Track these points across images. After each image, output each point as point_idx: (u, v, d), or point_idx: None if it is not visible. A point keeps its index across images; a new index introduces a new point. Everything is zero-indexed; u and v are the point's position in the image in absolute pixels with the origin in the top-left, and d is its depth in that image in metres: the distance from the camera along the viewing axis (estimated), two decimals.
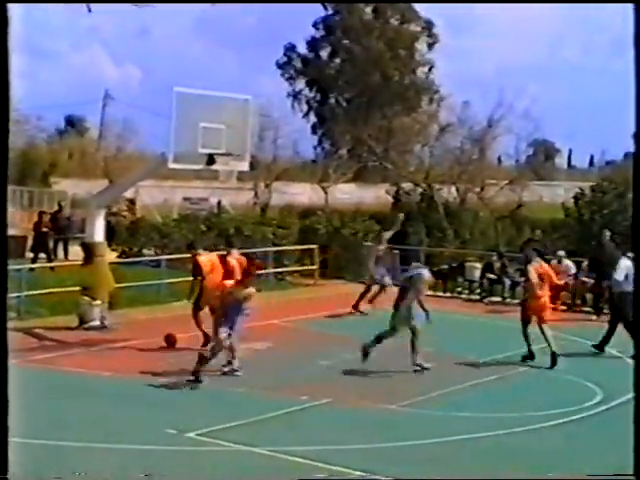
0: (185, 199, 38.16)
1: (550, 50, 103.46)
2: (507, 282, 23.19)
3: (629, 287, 15.42)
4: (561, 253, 22.46)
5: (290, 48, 65.00)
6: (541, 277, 15.26)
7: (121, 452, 9.97)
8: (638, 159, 5.16)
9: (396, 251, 26.16)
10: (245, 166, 18.29)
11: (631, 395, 13.10)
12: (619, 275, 15.91)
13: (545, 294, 15.33)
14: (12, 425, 10.36)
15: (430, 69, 64.12)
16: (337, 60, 64.38)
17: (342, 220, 27.90)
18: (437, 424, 11.49)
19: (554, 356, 14.73)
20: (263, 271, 23.94)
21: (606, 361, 15.49)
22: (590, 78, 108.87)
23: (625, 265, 15.92)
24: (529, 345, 15.19)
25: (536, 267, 15.32)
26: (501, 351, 16.13)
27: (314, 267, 24.82)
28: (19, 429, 10.29)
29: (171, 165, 16.80)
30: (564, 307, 21.66)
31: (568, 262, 22.10)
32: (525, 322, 15.31)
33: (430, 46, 64.41)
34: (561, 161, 73.11)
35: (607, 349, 16.05)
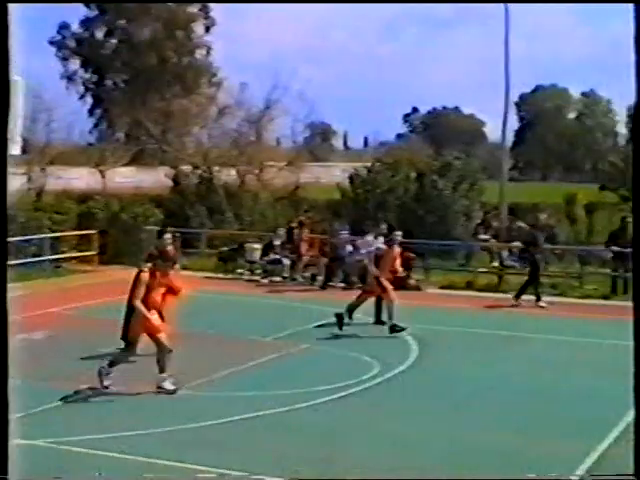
0: None
1: (321, 35, 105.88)
2: (286, 262, 23.59)
3: None
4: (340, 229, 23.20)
5: (64, 27, 62.95)
6: None
7: None
8: (638, 158, 5.29)
9: (177, 234, 25.97)
10: (16, 150, 17.59)
11: (405, 366, 13.73)
12: None
13: None
14: None
15: (208, 51, 63.99)
16: (113, 40, 62.92)
17: (121, 204, 27.40)
18: (219, 405, 11.52)
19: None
20: (38, 258, 23.26)
21: (386, 338, 15.82)
22: (360, 62, 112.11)
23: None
24: None
25: None
26: (283, 329, 16.41)
27: (93, 253, 24.25)
28: None
29: None
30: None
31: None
32: None
33: (207, 29, 64.23)
34: (338, 142, 75.04)
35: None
